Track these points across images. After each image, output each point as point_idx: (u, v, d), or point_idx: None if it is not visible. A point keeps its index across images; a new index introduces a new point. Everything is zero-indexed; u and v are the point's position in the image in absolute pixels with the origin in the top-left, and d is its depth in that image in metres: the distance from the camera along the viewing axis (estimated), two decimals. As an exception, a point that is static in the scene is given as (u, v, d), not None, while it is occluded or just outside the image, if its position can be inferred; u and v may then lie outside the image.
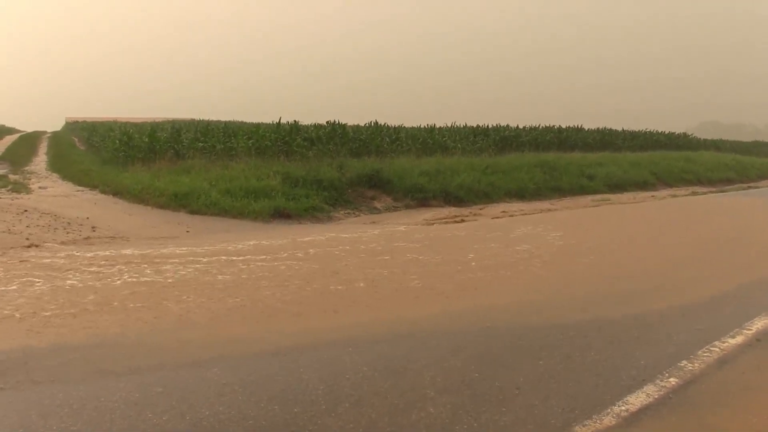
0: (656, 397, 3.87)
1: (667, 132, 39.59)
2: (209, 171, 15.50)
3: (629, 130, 36.26)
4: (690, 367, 4.36)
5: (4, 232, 9.51)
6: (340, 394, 3.84)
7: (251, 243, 9.22)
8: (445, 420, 3.51)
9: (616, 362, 4.47)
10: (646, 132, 37.29)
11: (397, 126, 25.82)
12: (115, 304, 5.78)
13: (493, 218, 13.41)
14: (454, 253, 8.71)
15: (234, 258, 7.97)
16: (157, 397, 3.76)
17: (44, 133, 42.01)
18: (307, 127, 22.28)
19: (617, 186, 20.97)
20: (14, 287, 6.28)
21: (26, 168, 19.64)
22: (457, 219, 13.18)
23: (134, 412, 3.55)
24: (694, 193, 21.39)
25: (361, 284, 6.75)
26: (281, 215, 12.53)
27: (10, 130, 45.72)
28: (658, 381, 4.11)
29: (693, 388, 4.04)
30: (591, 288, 6.90)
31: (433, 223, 12.51)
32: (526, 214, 14.37)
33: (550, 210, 15.29)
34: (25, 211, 10.81)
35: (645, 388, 3.98)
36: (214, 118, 43.09)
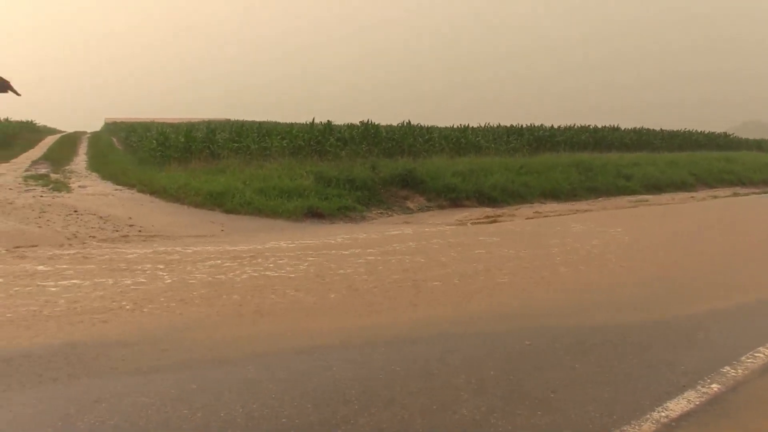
0: (697, 403, 3.76)
1: (706, 132, 38.77)
2: (243, 171, 15.64)
3: (667, 129, 35.60)
4: (733, 374, 4.24)
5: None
6: (372, 393, 3.81)
7: (292, 242, 9.26)
8: (479, 422, 3.46)
9: (656, 367, 4.36)
10: (684, 131, 36.57)
11: (429, 126, 25.77)
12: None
13: (526, 218, 13.26)
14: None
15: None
16: (191, 394, 3.78)
17: (84, 133, 42.93)
18: (340, 127, 22.36)
19: (655, 186, 20.56)
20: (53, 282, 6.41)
21: (67, 167, 20.05)
22: (491, 219, 13.06)
23: (169, 408, 3.58)
24: (736, 194, 20.88)
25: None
26: (314, 215, 12.57)
27: (52, 131, 46.83)
28: (699, 387, 3.99)
29: (736, 394, 3.92)
30: (630, 290, 6.77)
31: (465, 223, 12.42)
32: (560, 214, 14.19)
33: (587, 210, 15.06)
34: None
35: (686, 394, 3.87)
36: (248, 118, 43.52)
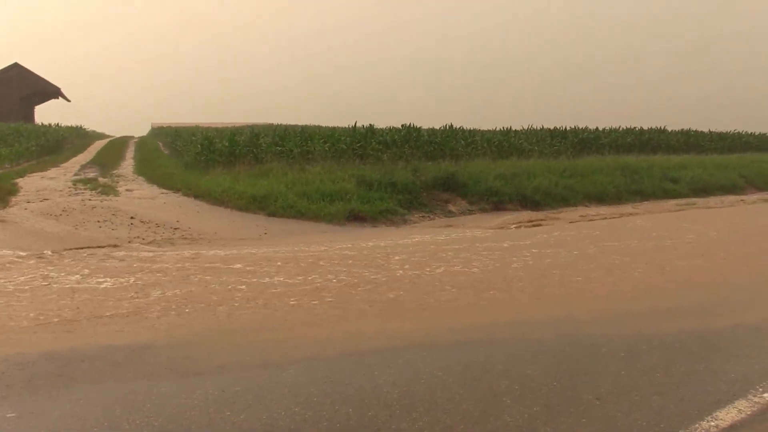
0: (749, 413, 3.66)
1: (758, 133, 37.61)
2: (286, 174, 15.79)
3: (716, 131, 34.68)
4: (786, 383, 4.10)
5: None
6: (414, 398, 3.80)
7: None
8: (522, 429, 3.42)
9: (704, 375, 4.25)
10: (734, 133, 35.53)
11: (472, 129, 25.63)
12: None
13: (570, 222, 13.08)
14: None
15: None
16: (235, 396, 3.83)
17: (131, 138, 43.86)
18: (382, 130, 22.38)
19: (702, 189, 20.04)
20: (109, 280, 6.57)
21: (114, 171, 20.54)
22: (533, 223, 12.92)
23: (213, 409, 3.63)
24: (789, 197, 20.21)
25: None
26: (356, 218, 12.62)
27: (101, 135, 48.02)
28: (750, 396, 3.88)
29: (790, 405, 3.79)
30: (677, 298, 6.62)
31: (510, 227, 12.31)
32: (606, 218, 13.95)
33: (632, 214, 14.79)
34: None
35: (736, 403, 3.77)
36: (291, 122, 43.95)
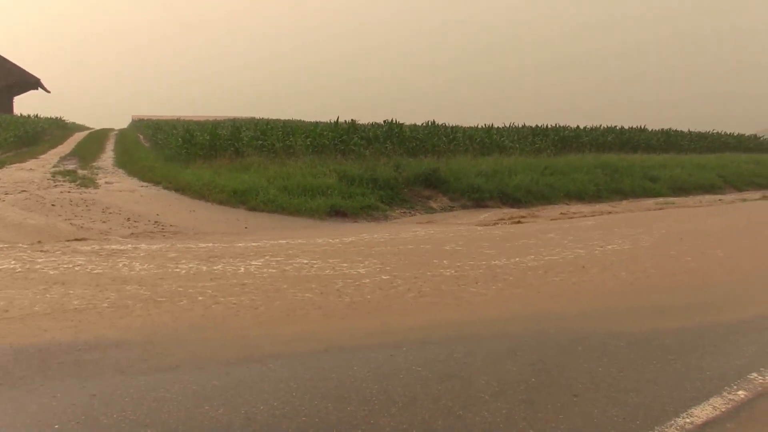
0: (723, 410, 3.71)
1: (736, 134, 38.10)
2: (268, 169, 15.72)
3: (695, 131, 35.08)
4: (760, 380, 4.17)
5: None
6: (393, 393, 3.81)
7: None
8: (499, 424, 3.44)
9: (680, 372, 4.30)
10: (713, 133, 35.97)
11: (454, 126, 25.70)
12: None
13: (551, 220, 13.17)
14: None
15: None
16: (213, 391, 3.81)
17: (111, 130, 43.28)
18: (364, 126, 22.37)
19: (681, 189, 20.28)
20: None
21: (94, 163, 20.27)
22: (514, 220, 12.98)
23: (191, 404, 3.61)
24: (765, 198, 20.50)
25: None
26: (337, 213, 12.61)
27: (81, 127, 47.34)
28: (725, 393, 3.94)
29: (763, 401, 3.86)
30: (654, 296, 6.69)
31: (491, 224, 12.36)
32: (586, 216, 14.06)
33: (611, 212, 14.92)
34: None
35: (711, 401, 3.82)
36: (273, 116, 43.74)
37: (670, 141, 31.31)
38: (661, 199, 18.20)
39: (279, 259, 7.85)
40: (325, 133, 19.77)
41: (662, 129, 33.25)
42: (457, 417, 3.52)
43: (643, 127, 32.70)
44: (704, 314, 5.89)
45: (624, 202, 17.29)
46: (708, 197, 19.65)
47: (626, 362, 4.46)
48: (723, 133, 36.97)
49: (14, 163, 19.22)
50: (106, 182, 15.37)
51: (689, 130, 34.70)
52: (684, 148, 30.60)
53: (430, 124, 24.12)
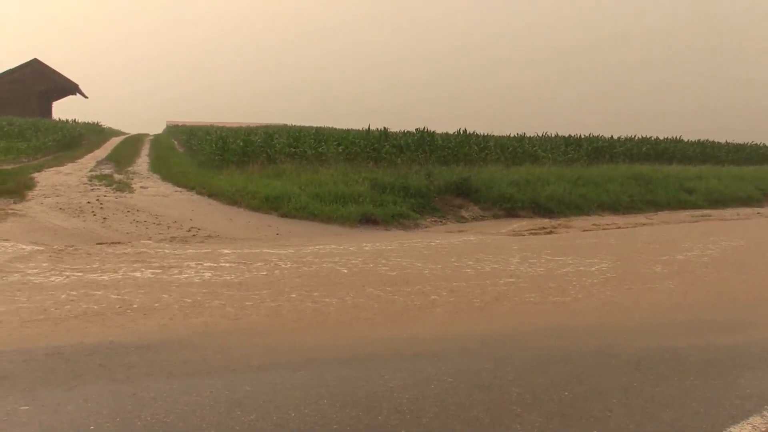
0: (762, 429, 3.61)
1: (776, 146, 37.25)
2: (300, 175, 15.85)
3: (733, 142, 34.41)
4: (801, 400, 4.05)
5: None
6: (424, 403, 3.79)
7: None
8: (532, 438, 3.40)
9: (718, 390, 4.20)
10: (751, 145, 35.24)
11: (486, 134, 25.61)
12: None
13: (583, 230, 13.02)
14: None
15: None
16: (245, 397, 3.83)
17: (147, 135, 44.02)
18: (396, 134, 22.42)
19: (718, 201, 19.89)
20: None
21: (129, 168, 20.62)
22: (546, 230, 12.87)
23: (223, 409, 3.63)
24: (805, 211, 20.00)
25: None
26: (368, 221, 12.64)
27: (117, 132, 48.26)
28: (765, 412, 3.83)
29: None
30: (691, 313, 6.56)
31: (523, 234, 12.27)
32: (620, 227, 13.87)
33: (645, 224, 14.69)
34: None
35: (750, 420, 3.72)
36: (305, 123, 44.07)
37: (706, 152, 30.77)
38: (697, 212, 17.87)
39: (312, 265, 7.88)
40: (357, 140, 19.87)
41: (698, 140, 32.72)
42: (489, 428, 3.49)
43: (679, 137, 32.21)
44: (745, 331, 5.76)
45: (660, 214, 17.02)
46: (746, 210, 19.24)
47: (662, 377, 4.38)
48: (762, 144, 36.18)
49: (53, 166, 19.66)
50: (141, 187, 15.63)
51: (726, 141, 34.08)
52: (721, 160, 30.05)
53: (461, 132, 24.06)
